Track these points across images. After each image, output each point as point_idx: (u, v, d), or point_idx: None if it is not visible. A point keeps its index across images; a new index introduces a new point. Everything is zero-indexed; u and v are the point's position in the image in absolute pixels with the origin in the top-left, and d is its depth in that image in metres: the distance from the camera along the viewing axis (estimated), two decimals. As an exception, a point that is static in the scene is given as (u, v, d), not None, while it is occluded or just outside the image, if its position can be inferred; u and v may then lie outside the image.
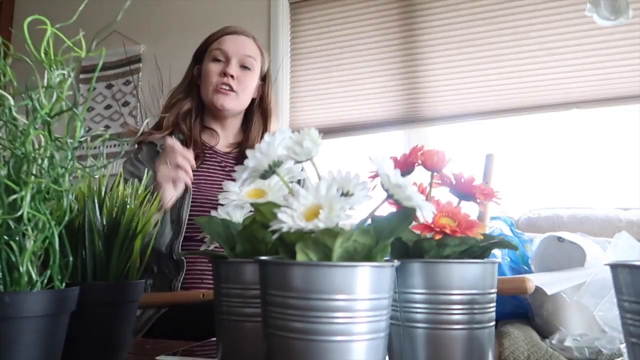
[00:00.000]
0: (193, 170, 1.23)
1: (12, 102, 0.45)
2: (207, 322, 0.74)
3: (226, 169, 1.33)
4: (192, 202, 1.22)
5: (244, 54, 1.30)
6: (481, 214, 0.82)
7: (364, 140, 2.29)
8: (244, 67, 1.31)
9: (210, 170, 1.31)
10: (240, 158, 1.36)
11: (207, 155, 1.32)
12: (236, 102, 1.31)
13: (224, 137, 1.38)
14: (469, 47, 2.10)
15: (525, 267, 1.07)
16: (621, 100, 1.89)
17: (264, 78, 1.39)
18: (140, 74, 2.60)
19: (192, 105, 1.33)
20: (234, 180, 0.50)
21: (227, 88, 1.28)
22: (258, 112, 1.39)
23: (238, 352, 0.54)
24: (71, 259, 0.51)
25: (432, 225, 0.48)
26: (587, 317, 0.76)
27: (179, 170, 1.09)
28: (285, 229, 0.39)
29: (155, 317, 1.12)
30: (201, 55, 1.35)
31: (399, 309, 0.49)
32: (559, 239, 1.00)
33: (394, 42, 2.23)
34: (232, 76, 1.28)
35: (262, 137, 1.31)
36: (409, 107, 2.18)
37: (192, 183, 1.23)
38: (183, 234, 1.20)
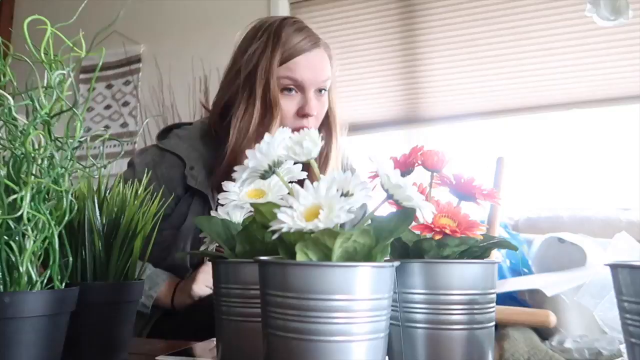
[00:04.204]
0: None
1: (12, 102, 0.45)
2: (207, 322, 0.73)
3: None
4: None
5: (321, 81, 1.04)
6: (490, 216, 0.82)
7: (364, 140, 2.28)
8: (320, 90, 1.06)
9: None
10: None
11: None
12: None
13: None
14: (469, 47, 2.10)
15: (525, 270, 1.06)
16: (621, 100, 1.89)
17: None
18: (140, 74, 2.60)
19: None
20: None
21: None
22: (325, 126, 1.12)
23: (238, 352, 0.54)
24: (71, 259, 0.51)
25: (432, 226, 0.48)
26: (586, 318, 0.76)
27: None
28: (285, 229, 0.39)
29: (155, 317, 1.11)
30: (255, 73, 1.02)
31: (399, 309, 0.49)
32: (560, 239, 1.00)
33: (394, 42, 2.23)
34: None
35: (331, 149, 1.09)
36: (409, 107, 2.18)
37: None
38: None
